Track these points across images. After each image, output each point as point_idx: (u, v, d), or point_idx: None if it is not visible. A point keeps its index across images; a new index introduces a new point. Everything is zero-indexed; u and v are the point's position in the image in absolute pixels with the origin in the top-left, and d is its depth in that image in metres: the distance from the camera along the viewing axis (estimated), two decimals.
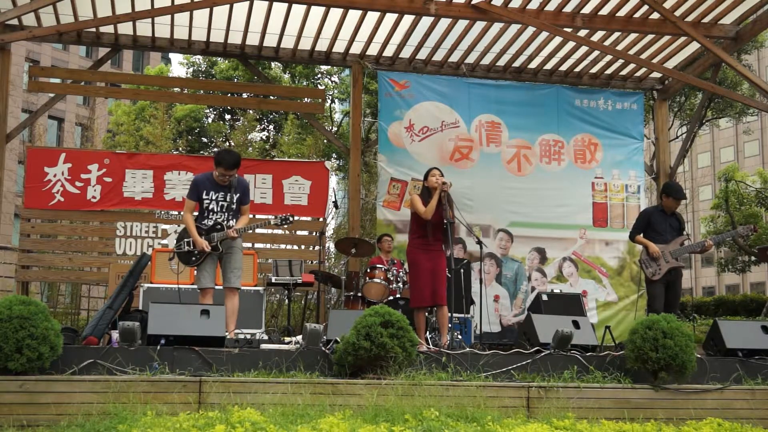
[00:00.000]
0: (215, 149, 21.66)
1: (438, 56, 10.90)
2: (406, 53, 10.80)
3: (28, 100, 27.52)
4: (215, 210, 6.82)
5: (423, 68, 11.03)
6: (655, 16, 9.52)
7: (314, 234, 10.63)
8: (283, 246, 10.97)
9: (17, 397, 4.96)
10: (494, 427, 4.99)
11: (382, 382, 5.46)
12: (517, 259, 10.90)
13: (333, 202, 10.89)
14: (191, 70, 21.98)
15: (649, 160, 13.92)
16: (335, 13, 9.67)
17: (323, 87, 21.42)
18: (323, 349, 5.99)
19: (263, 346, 6.38)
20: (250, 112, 19.87)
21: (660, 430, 5.53)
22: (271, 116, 21.89)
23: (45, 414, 4.94)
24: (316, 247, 10.40)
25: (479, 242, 8.16)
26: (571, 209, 11.12)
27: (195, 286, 8.47)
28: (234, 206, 6.88)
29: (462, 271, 8.81)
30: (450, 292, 7.11)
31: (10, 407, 4.91)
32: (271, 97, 12.02)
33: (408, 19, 9.83)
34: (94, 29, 10.05)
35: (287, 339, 7.71)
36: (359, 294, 8.89)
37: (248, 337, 6.36)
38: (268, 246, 10.73)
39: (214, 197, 6.82)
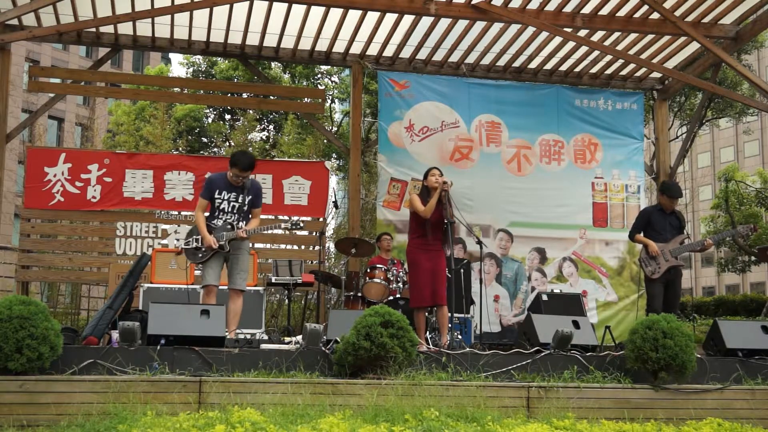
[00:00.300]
0: (215, 149, 21.69)
1: (438, 56, 10.90)
2: (406, 53, 10.80)
3: (28, 100, 27.53)
4: (226, 210, 6.84)
5: (423, 68, 11.03)
6: (655, 16, 9.52)
7: (314, 234, 10.63)
8: (283, 246, 10.98)
9: (17, 397, 4.96)
10: (494, 427, 4.99)
11: (382, 382, 5.46)
12: (517, 259, 10.90)
13: (333, 202, 10.89)
14: (191, 70, 21.98)
15: (649, 160, 13.92)
16: (335, 13, 9.67)
17: (323, 87, 21.42)
18: (323, 349, 5.99)
19: (263, 346, 6.39)
20: (250, 112, 19.86)
21: (660, 430, 5.53)
22: (271, 116, 21.88)
23: (45, 414, 4.94)
24: (316, 247, 10.41)
25: (479, 242, 8.16)
26: (571, 209, 11.12)
27: (195, 287, 8.54)
28: (245, 208, 6.90)
29: (462, 271, 8.81)
30: (450, 292, 7.12)
31: (10, 407, 4.91)
32: (271, 97, 12.02)
33: (408, 19, 9.83)
34: (94, 29, 10.05)
35: (287, 339, 7.72)
36: (359, 294, 8.89)
37: (248, 337, 6.37)
38: (268, 246, 10.73)
39: (226, 197, 6.84)
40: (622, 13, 9.57)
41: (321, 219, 10.92)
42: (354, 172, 10.81)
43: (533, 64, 11.14)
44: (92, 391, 5.07)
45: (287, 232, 10.77)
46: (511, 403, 5.65)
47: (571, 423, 5.33)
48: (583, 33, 10.04)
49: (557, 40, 10.34)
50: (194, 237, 6.86)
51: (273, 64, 20.29)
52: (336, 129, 21.27)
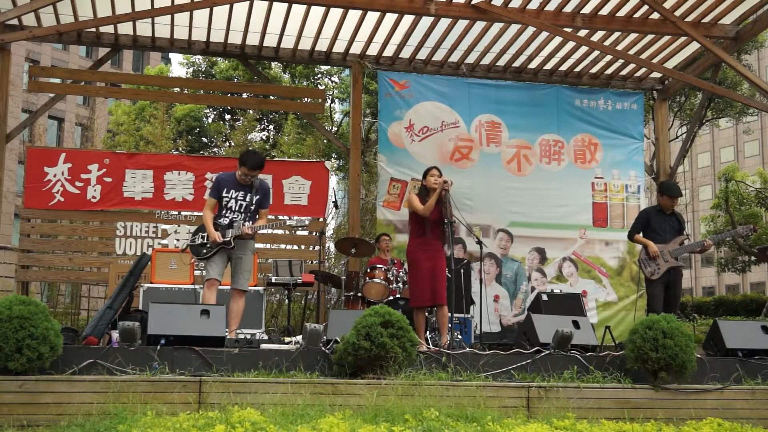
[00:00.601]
0: (215, 149, 21.71)
1: (438, 56, 10.90)
2: (406, 53, 10.79)
3: (28, 100, 27.55)
4: (233, 209, 6.87)
5: (423, 68, 11.03)
6: (655, 16, 9.52)
7: (314, 234, 10.63)
8: (283, 246, 10.98)
9: (17, 397, 4.96)
10: (494, 427, 4.99)
11: (382, 382, 5.46)
12: (517, 259, 10.89)
13: (333, 202, 10.89)
14: (191, 70, 21.99)
15: (649, 160, 13.94)
16: (335, 13, 9.67)
17: (323, 87, 21.43)
18: (323, 349, 5.99)
19: (263, 346, 6.39)
20: (250, 112, 19.87)
21: (660, 430, 5.53)
22: (271, 116, 21.90)
23: (45, 414, 4.94)
24: (316, 247, 10.41)
25: (479, 242, 8.16)
26: (571, 209, 11.12)
27: (196, 287, 8.55)
28: (252, 207, 6.93)
29: (462, 271, 8.81)
30: (450, 292, 7.11)
31: (10, 407, 4.91)
32: (271, 97, 12.02)
33: (408, 19, 9.83)
34: (94, 29, 10.05)
35: (287, 339, 7.72)
36: (359, 294, 8.89)
37: (248, 337, 6.37)
38: (268, 246, 10.72)
39: (234, 195, 6.88)
40: (622, 13, 9.57)
41: (321, 219, 10.92)
42: (354, 172, 10.81)
43: (533, 64, 11.14)
44: (92, 391, 5.07)
45: (291, 231, 10.77)
46: (511, 403, 5.65)
47: (571, 423, 5.33)
48: (583, 33, 10.04)
49: (557, 40, 10.34)
50: (200, 234, 6.92)
51: (273, 64, 20.29)
52: (336, 129, 21.28)
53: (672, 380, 6.04)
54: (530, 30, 10.00)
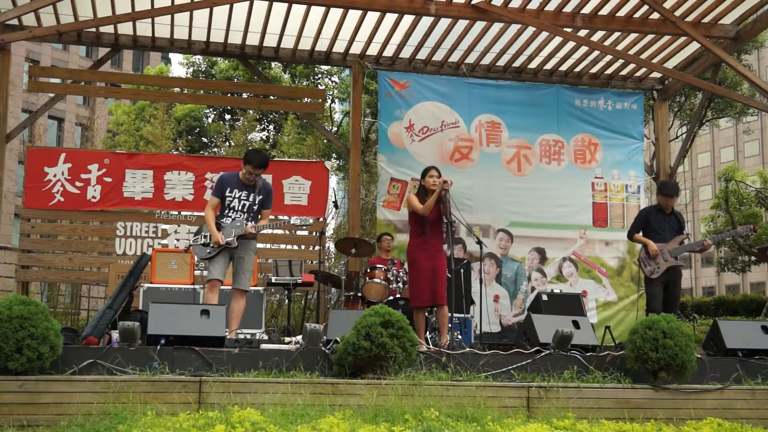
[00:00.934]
0: (215, 149, 21.70)
1: (438, 56, 10.90)
2: (406, 53, 10.79)
3: (28, 100, 27.55)
4: (236, 208, 6.88)
5: (423, 68, 11.03)
6: (655, 16, 9.52)
7: (314, 234, 10.62)
8: (283, 246, 10.98)
9: (17, 397, 4.96)
10: (494, 427, 4.99)
11: (382, 382, 5.45)
12: (517, 259, 10.89)
13: (333, 202, 10.89)
14: (191, 70, 21.99)
15: (649, 160, 13.94)
16: (335, 13, 9.67)
17: (323, 87, 21.43)
18: (323, 349, 5.98)
19: (263, 346, 6.39)
20: (250, 112, 19.87)
21: (660, 430, 5.53)
22: (271, 116, 21.90)
23: (45, 414, 4.94)
24: (316, 247, 10.40)
25: (479, 242, 8.16)
26: (571, 209, 11.12)
27: (196, 287, 8.56)
28: (255, 207, 6.95)
29: (462, 271, 8.81)
30: (450, 292, 7.11)
31: (10, 407, 4.91)
32: (271, 97, 12.02)
33: (408, 19, 9.83)
34: (94, 29, 10.05)
35: (287, 339, 7.72)
36: (359, 294, 8.89)
37: (248, 337, 6.37)
38: (268, 246, 10.72)
39: (237, 195, 6.89)
40: (622, 13, 9.57)
41: (321, 219, 10.91)
42: (354, 172, 10.81)
43: (533, 64, 11.14)
44: (92, 391, 5.07)
45: (291, 231, 10.77)
46: (511, 403, 5.65)
47: (571, 423, 5.33)
48: (583, 33, 10.04)
49: (557, 40, 10.34)
50: (203, 234, 6.92)
51: (273, 64, 20.29)
52: (336, 129, 21.28)
53: (672, 380, 6.04)
54: (530, 30, 10.00)
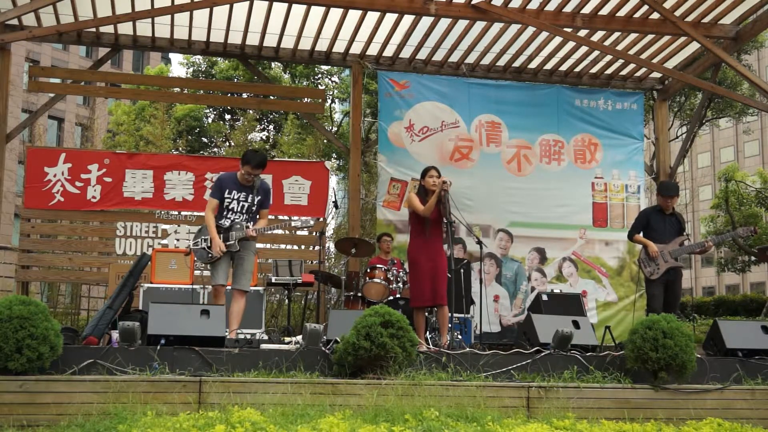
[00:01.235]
0: (215, 149, 21.70)
1: (438, 56, 10.90)
2: (406, 53, 10.79)
3: (28, 100, 27.53)
4: (235, 209, 6.88)
5: (423, 68, 11.03)
6: (655, 16, 9.52)
7: (314, 234, 10.62)
8: (283, 246, 10.98)
9: (17, 397, 4.96)
10: (494, 427, 4.99)
11: (382, 382, 5.46)
12: (517, 259, 10.89)
13: (333, 202, 10.89)
14: (191, 70, 22.00)
15: (649, 160, 13.93)
16: (335, 13, 9.67)
17: (323, 87, 21.43)
18: (323, 349, 5.99)
19: (263, 346, 6.39)
20: (250, 112, 19.87)
21: (660, 430, 5.53)
22: (271, 116, 21.90)
23: (45, 414, 4.93)
24: (316, 247, 10.40)
25: (479, 242, 8.15)
26: (571, 209, 11.12)
27: (196, 287, 8.56)
28: (254, 208, 6.94)
29: (462, 271, 8.80)
30: (450, 292, 7.11)
31: (10, 407, 4.91)
32: (271, 97, 12.01)
33: (408, 19, 9.83)
34: (94, 29, 10.05)
35: (287, 339, 7.71)
36: (359, 294, 8.89)
37: (248, 337, 6.37)
38: (268, 246, 10.72)
39: (236, 196, 6.88)
40: (622, 13, 9.57)
41: (321, 219, 10.91)
42: (354, 172, 10.81)
43: (533, 64, 11.14)
44: (92, 391, 5.07)
45: (291, 231, 10.77)
46: (511, 403, 5.65)
47: (571, 423, 5.33)
48: (583, 33, 10.04)
49: (557, 40, 10.34)
50: (203, 237, 6.90)
51: (273, 64, 20.29)
52: (336, 129, 21.28)
53: (672, 380, 6.04)
54: (530, 30, 10.00)
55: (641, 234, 8.10)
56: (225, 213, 6.89)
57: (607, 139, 11.39)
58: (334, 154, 19.81)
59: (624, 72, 11.40)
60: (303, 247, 11.18)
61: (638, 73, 11.48)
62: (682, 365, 5.94)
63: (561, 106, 11.33)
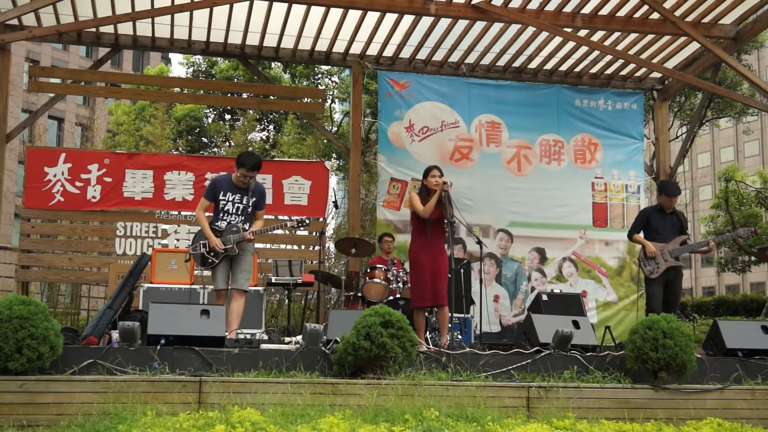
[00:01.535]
0: (215, 149, 21.70)
1: (438, 56, 10.90)
2: (406, 53, 10.79)
3: (28, 100, 27.52)
4: (230, 211, 6.89)
5: (423, 68, 11.03)
6: (655, 16, 9.52)
7: (314, 234, 10.63)
8: (283, 246, 10.98)
9: (17, 397, 4.96)
10: (494, 427, 4.99)
11: (382, 382, 5.45)
12: (517, 259, 10.89)
13: (333, 202, 10.89)
14: (191, 70, 21.99)
15: (649, 160, 13.93)
16: (335, 13, 9.67)
17: (323, 87, 21.43)
18: (323, 349, 5.99)
19: (263, 346, 6.39)
20: (250, 112, 19.87)
21: (660, 430, 5.53)
22: (271, 116, 21.89)
23: (45, 414, 4.93)
24: (316, 247, 10.40)
25: (479, 242, 8.16)
26: (571, 209, 11.12)
27: (195, 287, 8.56)
28: (249, 209, 6.95)
29: (462, 271, 8.80)
30: (450, 292, 7.11)
31: (10, 407, 4.91)
32: (271, 97, 12.01)
33: (408, 19, 9.83)
34: (94, 29, 10.05)
35: (287, 339, 7.72)
36: (359, 294, 8.89)
37: (248, 337, 6.37)
38: (268, 246, 10.72)
39: (230, 198, 6.89)
40: (622, 13, 9.57)
41: (321, 219, 10.92)
42: (354, 172, 10.81)
43: (533, 64, 11.13)
44: (92, 391, 5.07)
45: (291, 231, 10.77)
46: (511, 403, 5.65)
47: (571, 423, 5.33)
48: (583, 33, 10.04)
49: (557, 40, 10.34)
50: (201, 242, 6.91)
51: (273, 64, 20.29)
52: (336, 129, 21.28)
53: (672, 380, 6.04)
54: (530, 30, 10.00)
55: (641, 234, 8.10)
56: (220, 215, 6.90)
57: (607, 139, 11.39)
58: (334, 154, 19.81)
59: (624, 72, 11.40)
60: (303, 247, 11.18)
61: (638, 73, 11.48)
62: (682, 365, 5.94)
63: (561, 106, 11.33)
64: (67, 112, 36.17)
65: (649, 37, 10.29)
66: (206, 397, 5.20)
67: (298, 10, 9.47)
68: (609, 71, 11.39)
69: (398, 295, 8.67)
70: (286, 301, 9.74)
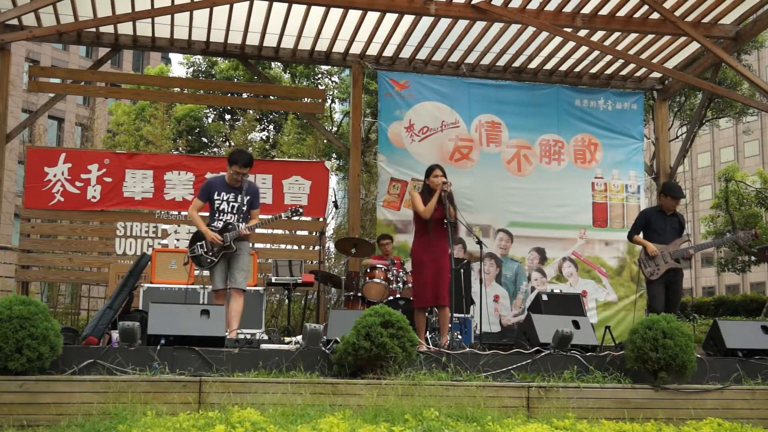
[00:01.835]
0: (215, 149, 21.70)
1: (438, 56, 10.90)
2: (406, 53, 10.79)
3: (28, 100, 27.50)
4: (226, 211, 6.90)
5: (423, 68, 11.03)
6: (655, 16, 9.52)
7: (314, 234, 10.63)
8: (283, 246, 10.98)
9: (17, 397, 4.96)
10: (494, 427, 4.99)
11: (382, 382, 5.45)
12: (517, 259, 10.89)
13: (333, 202, 10.89)
14: (191, 70, 22.00)
15: (649, 160, 13.93)
16: (335, 13, 9.67)
17: (323, 87, 21.43)
18: (323, 349, 5.99)
19: (263, 346, 6.39)
20: (250, 112, 19.87)
21: (660, 430, 5.53)
22: (271, 116, 21.90)
23: (45, 414, 4.93)
24: (316, 247, 10.40)
25: (479, 242, 8.16)
26: (571, 209, 11.12)
27: (195, 287, 8.56)
28: (244, 208, 6.95)
29: (462, 271, 8.80)
30: (450, 292, 7.11)
31: (10, 407, 4.91)
32: (271, 97, 12.01)
33: (408, 19, 9.82)
34: (94, 29, 10.05)
35: (287, 339, 7.72)
36: (359, 294, 8.89)
37: (248, 337, 6.37)
38: (268, 246, 10.72)
39: (225, 198, 6.91)
40: (622, 13, 9.57)
41: (321, 219, 10.92)
42: (354, 172, 10.81)
43: (533, 64, 11.13)
44: (92, 391, 5.07)
45: (285, 231, 10.77)
46: (511, 403, 5.65)
47: (571, 423, 5.33)
48: (583, 33, 10.04)
49: (557, 40, 10.34)
50: (198, 244, 6.92)
51: (273, 64, 20.29)
52: (336, 129, 21.29)
53: (672, 380, 6.04)
54: (530, 30, 10.00)
55: (641, 234, 8.10)
56: (216, 215, 6.92)
57: (607, 139, 11.39)
58: (334, 154, 19.81)
59: (624, 72, 11.40)
60: (303, 247, 11.18)
61: (638, 73, 11.47)
62: (682, 365, 5.94)
63: (561, 106, 11.33)
64: (67, 112, 36.17)
65: (649, 37, 10.29)
66: (206, 397, 5.20)
67: (298, 10, 9.47)
68: (609, 71, 11.39)
69: (398, 295, 8.66)
70: (286, 301, 9.74)
